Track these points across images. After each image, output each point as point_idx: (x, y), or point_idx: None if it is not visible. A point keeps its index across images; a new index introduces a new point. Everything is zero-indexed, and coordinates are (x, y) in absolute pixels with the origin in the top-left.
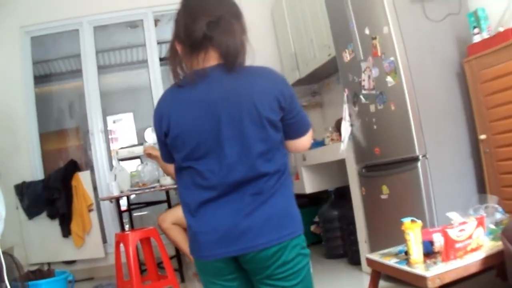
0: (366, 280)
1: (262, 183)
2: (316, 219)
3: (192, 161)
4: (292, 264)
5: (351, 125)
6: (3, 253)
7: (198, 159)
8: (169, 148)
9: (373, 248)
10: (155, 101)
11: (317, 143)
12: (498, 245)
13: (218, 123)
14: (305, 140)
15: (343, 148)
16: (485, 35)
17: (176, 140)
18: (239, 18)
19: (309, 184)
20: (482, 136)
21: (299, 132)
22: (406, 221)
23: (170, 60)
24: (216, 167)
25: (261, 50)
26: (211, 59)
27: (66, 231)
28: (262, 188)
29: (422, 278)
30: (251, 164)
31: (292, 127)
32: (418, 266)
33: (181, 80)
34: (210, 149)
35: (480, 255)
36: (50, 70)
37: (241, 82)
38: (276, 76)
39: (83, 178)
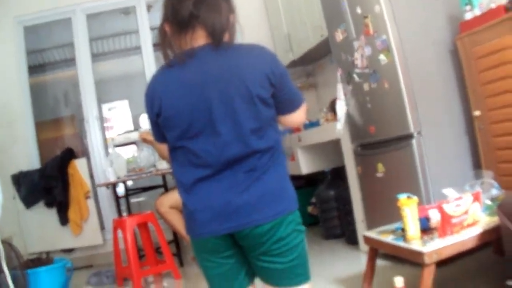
0: (364, 259)
1: (256, 160)
2: (313, 200)
3: (185, 141)
4: (287, 240)
5: (347, 104)
6: (2, 242)
7: (191, 138)
8: (161, 128)
9: (370, 227)
10: None
11: (312, 124)
12: (494, 220)
13: (209, 102)
14: (298, 115)
15: (340, 127)
16: (477, 11)
17: (168, 121)
18: None
19: (305, 165)
20: (477, 113)
21: (291, 107)
22: (402, 197)
23: (159, 41)
24: (210, 145)
25: (253, 32)
26: (199, 38)
27: (64, 219)
28: (255, 165)
29: (419, 254)
30: (244, 141)
31: (284, 103)
32: (415, 242)
33: (170, 61)
34: (202, 128)
35: (477, 230)
36: (44, 59)
37: (230, 60)
38: (266, 53)
39: (79, 165)
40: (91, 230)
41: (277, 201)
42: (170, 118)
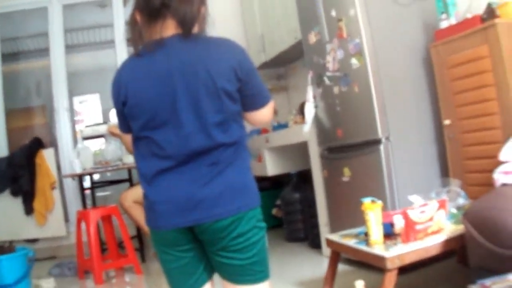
0: (326, 263)
1: (219, 154)
2: (278, 202)
3: (149, 131)
4: (247, 236)
5: (315, 106)
6: None
7: (154, 128)
8: (126, 118)
9: (334, 231)
10: None
11: (281, 126)
12: (459, 228)
13: (174, 93)
14: (265, 113)
15: (306, 130)
16: (453, 21)
17: (133, 110)
18: None
19: (271, 167)
20: (447, 121)
21: (257, 104)
22: (366, 201)
23: (129, 29)
24: (173, 137)
25: (227, 29)
26: (169, 28)
27: (29, 209)
28: (218, 158)
29: (381, 259)
30: (207, 134)
31: (250, 99)
32: (377, 247)
33: (139, 50)
34: (166, 119)
35: (441, 237)
36: (18, 48)
37: (198, 52)
38: (235, 47)
39: (47, 156)
40: (56, 221)
41: (239, 196)
42: (134, 107)
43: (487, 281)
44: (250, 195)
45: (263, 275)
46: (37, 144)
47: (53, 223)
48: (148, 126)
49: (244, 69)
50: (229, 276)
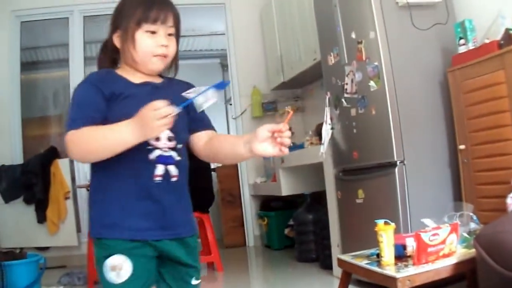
0: (336, 284)
1: None
2: (291, 222)
3: None
4: None
5: (332, 128)
6: None
7: None
8: None
9: (346, 252)
10: None
11: (296, 146)
12: (470, 252)
13: None
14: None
15: (323, 151)
16: (471, 46)
17: None
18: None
19: (285, 187)
20: (461, 146)
21: None
22: (380, 222)
23: None
24: None
25: (247, 51)
26: None
27: (41, 217)
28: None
29: (392, 279)
30: None
31: None
32: (389, 268)
33: None
34: None
35: (452, 260)
36: (38, 57)
37: None
38: None
39: (62, 165)
40: (67, 231)
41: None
42: None
43: None
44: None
45: None
46: (53, 153)
47: (65, 233)
48: None
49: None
50: None
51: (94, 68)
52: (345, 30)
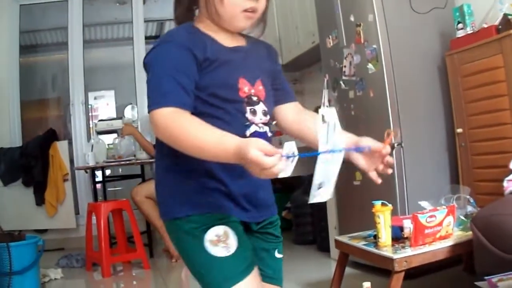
0: (334, 266)
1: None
2: (288, 204)
3: None
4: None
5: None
6: None
7: None
8: None
9: (343, 234)
10: (137, 80)
11: None
12: (467, 235)
13: None
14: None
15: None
16: (469, 30)
17: None
18: None
19: None
20: (459, 130)
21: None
22: (377, 203)
23: None
24: None
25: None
26: None
27: (39, 200)
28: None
29: (389, 260)
30: None
31: None
32: (386, 249)
33: None
34: None
35: (449, 242)
36: (37, 40)
37: None
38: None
39: (60, 147)
40: (66, 213)
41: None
42: None
43: (494, 278)
44: (160, 203)
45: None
46: (51, 136)
47: (63, 215)
48: None
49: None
50: None
51: (93, 51)
52: (343, 13)
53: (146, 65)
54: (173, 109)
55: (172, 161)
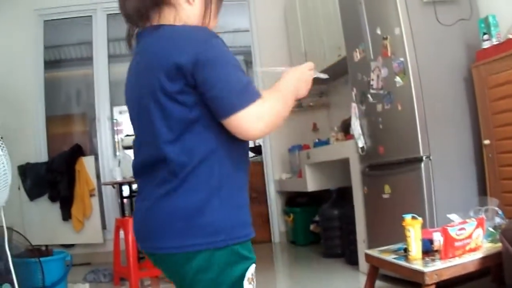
0: (362, 280)
1: (168, 171)
2: (316, 218)
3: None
4: (193, 282)
5: (359, 123)
6: (7, 228)
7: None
8: None
9: (372, 247)
10: None
11: (322, 142)
12: (496, 247)
13: (132, 96)
14: (237, 123)
15: (361, 145)
16: (495, 41)
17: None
18: None
19: (311, 182)
20: (486, 141)
21: (219, 111)
22: (407, 217)
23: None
24: (134, 146)
25: (271, 47)
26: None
27: (66, 215)
28: (163, 178)
29: (420, 274)
30: (155, 144)
31: (211, 103)
32: (416, 262)
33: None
34: (132, 124)
35: (478, 255)
36: (61, 56)
37: (152, 46)
38: (188, 34)
39: (86, 163)
40: (93, 228)
41: (183, 229)
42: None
43: None
44: (201, 230)
45: None
46: (78, 151)
47: (90, 230)
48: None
49: (197, 64)
50: None
51: (118, 66)
52: (370, 26)
53: (206, 61)
54: (261, 99)
55: (222, 171)
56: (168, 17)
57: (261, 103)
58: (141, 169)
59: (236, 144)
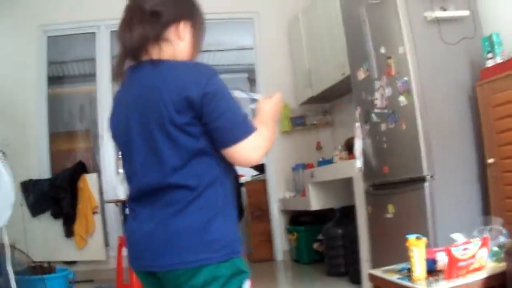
0: None
1: (172, 196)
2: (320, 236)
3: (124, 163)
4: None
5: (363, 143)
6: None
7: (124, 163)
8: None
9: (375, 267)
10: None
11: (326, 161)
12: (500, 266)
13: (129, 125)
14: (239, 152)
15: (359, 165)
16: (499, 59)
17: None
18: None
19: (315, 201)
20: (490, 160)
21: (223, 140)
22: (411, 237)
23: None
24: (131, 173)
25: (275, 65)
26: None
27: (69, 232)
28: (171, 201)
29: None
30: (159, 172)
31: (215, 133)
32: (420, 283)
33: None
34: (127, 153)
35: (482, 275)
36: (64, 72)
37: (157, 78)
38: (197, 71)
39: (90, 180)
40: (95, 245)
41: (189, 247)
42: (113, 139)
43: None
44: (204, 247)
45: None
46: (81, 168)
47: (93, 247)
48: (122, 154)
49: (205, 97)
50: None
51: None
52: (374, 45)
53: (213, 94)
54: (256, 131)
55: (222, 195)
56: (167, 51)
57: (258, 135)
58: (141, 194)
59: (231, 168)
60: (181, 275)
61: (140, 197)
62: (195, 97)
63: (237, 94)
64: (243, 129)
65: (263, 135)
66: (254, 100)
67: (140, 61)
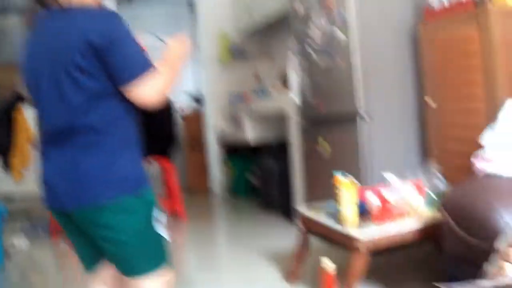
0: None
1: (80, 136)
2: (255, 169)
3: (35, 103)
4: (112, 227)
5: (299, 77)
6: None
7: (35, 104)
8: None
9: (309, 202)
10: None
11: (263, 92)
12: (436, 216)
13: (38, 71)
14: (136, 90)
15: (295, 101)
16: (446, 2)
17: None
18: None
19: (251, 134)
20: (430, 102)
21: (120, 76)
22: (338, 175)
23: None
24: (40, 116)
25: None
26: None
27: (5, 164)
28: (78, 141)
29: (354, 240)
30: (66, 113)
31: (113, 70)
32: (350, 226)
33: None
34: (36, 98)
35: (418, 224)
36: (8, 3)
37: (63, 25)
38: (99, 16)
39: (27, 111)
40: (33, 178)
41: (97, 184)
42: (26, 85)
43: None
44: (113, 183)
45: (144, 268)
46: (17, 99)
47: (30, 180)
48: (33, 98)
49: (108, 41)
50: (114, 265)
51: None
52: None
53: (116, 39)
54: (156, 72)
55: (125, 133)
56: None
57: (156, 74)
58: (49, 136)
59: (134, 108)
60: (92, 212)
61: (49, 139)
62: (98, 42)
63: (146, 36)
64: (140, 67)
65: (163, 76)
66: (162, 42)
67: (50, 8)
